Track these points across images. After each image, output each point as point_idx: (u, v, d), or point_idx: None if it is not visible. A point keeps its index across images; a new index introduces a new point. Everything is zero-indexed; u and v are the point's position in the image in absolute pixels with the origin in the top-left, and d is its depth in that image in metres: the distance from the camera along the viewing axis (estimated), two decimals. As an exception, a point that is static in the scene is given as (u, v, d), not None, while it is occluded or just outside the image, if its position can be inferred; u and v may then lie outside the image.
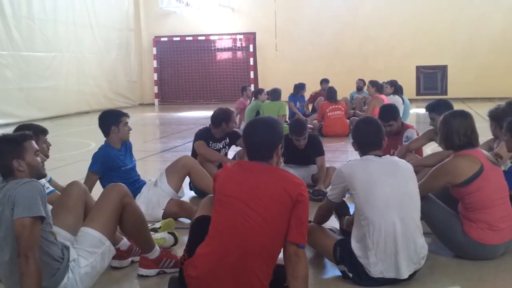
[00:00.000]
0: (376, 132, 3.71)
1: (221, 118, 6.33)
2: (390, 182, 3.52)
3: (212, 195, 3.29)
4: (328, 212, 3.97)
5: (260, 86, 17.33)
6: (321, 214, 3.96)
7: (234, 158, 6.69)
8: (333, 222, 4.35)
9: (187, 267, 3.10)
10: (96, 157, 5.14)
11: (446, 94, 19.94)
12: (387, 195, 3.49)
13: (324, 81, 14.13)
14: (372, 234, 3.47)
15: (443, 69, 20.80)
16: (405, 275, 3.50)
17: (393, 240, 3.46)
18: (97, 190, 4.64)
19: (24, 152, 3.20)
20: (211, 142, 6.33)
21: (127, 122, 5.22)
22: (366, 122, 3.84)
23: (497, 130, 4.93)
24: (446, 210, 4.09)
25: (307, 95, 13.91)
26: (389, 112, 6.24)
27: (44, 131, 4.55)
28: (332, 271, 3.83)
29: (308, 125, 6.60)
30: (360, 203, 3.53)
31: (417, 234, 3.56)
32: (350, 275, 3.60)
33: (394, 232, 3.46)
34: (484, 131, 5.61)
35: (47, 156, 4.52)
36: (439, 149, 6.01)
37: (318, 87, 14.15)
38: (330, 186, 3.88)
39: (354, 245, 3.57)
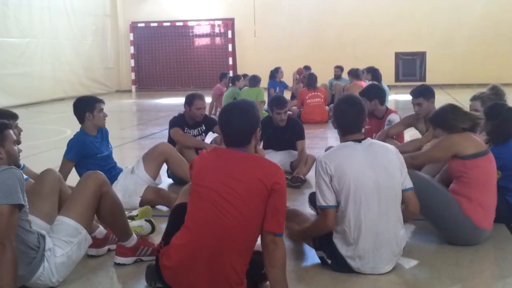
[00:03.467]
0: (358, 114, 3.57)
1: (184, 101, 6.26)
2: (370, 176, 3.41)
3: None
4: (333, 220, 3.50)
5: (238, 73, 17.25)
6: (320, 230, 3.63)
7: (211, 143, 6.61)
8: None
9: (162, 255, 3.05)
10: (71, 144, 5.05)
11: (424, 80, 20.05)
12: (369, 191, 3.40)
13: (305, 68, 14.11)
14: (353, 231, 3.41)
15: (422, 55, 20.92)
16: (386, 270, 3.48)
17: (375, 238, 3.41)
18: (74, 178, 4.57)
19: (4, 140, 3.20)
20: (186, 129, 6.25)
21: (102, 109, 5.12)
22: (349, 102, 3.64)
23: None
24: (444, 191, 4.04)
25: (286, 79, 13.82)
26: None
27: (14, 116, 4.47)
28: (311, 258, 3.80)
29: (288, 112, 6.59)
30: (341, 199, 3.42)
31: (398, 227, 3.52)
32: (329, 261, 3.57)
33: (376, 229, 3.41)
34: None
35: (19, 142, 4.42)
36: (418, 135, 6.04)
37: (296, 75, 14.12)
38: (317, 191, 3.50)
39: (335, 235, 3.51)
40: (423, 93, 5.65)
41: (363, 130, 3.61)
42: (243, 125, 3.05)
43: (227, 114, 3.13)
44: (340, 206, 3.44)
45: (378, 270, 3.48)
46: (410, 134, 7.11)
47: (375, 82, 8.64)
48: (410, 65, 21.07)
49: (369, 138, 3.62)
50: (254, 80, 11.26)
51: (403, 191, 3.55)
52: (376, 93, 6.33)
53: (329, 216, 3.47)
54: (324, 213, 3.49)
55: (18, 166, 3.48)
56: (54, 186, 3.74)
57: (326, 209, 3.46)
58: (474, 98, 5.18)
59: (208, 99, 8.07)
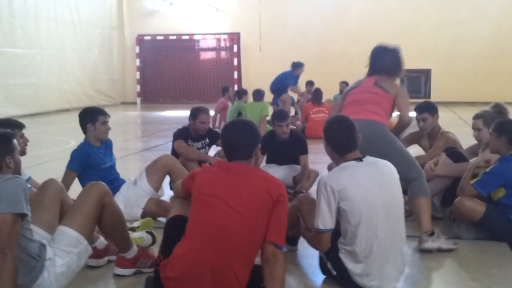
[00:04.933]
0: (349, 130, 3.53)
1: (190, 114, 6.29)
2: (378, 195, 3.38)
3: None
4: (327, 245, 3.51)
5: (243, 87, 17.27)
6: (314, 247, 3.71)
7: (214, 156, 6.62)
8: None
9: (164, 268, 3.05)
10: (75, 154, 5.06)
11: (429, 97, 20.03)
12: (377, 209, 3.36)
13: (309, 83, 14.13)
14: (363, 250, 3.36)
15: (427, 72, 20.92)
16: (393, 286, 3.45)
17: (383, 255, 3.38)
18: (76, 188, 4.56)
19: (14, 149, 3.23)
20: (190, 141, 6.26)
21: (107, 122, 5.12)
22: (338, 121, 3.62)
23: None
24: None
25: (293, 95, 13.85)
26: None
27: (19, 126, 4.47)
28: (314, 273, 3.78)
29: (292, 127, 6.60)
30: (351, 221, 3.37)
31: (403, 243, 3.50)
32: (334, 272, 3.52)
33: (384, 247, 3.38)
34: (467, 136, 5.63)
35: (24, 153, 4.44)
36: (422, 152, 6.03)
37: (302, 89, 14.14)
38: (316, 213, 3.44)
39: (341, 251, 3.45)
40: (428, 108, 5.67)
41: (357, 146, 3.55)
42: (247, 140, 3.16)
43: (231, 129, 3.26)
44: (350, 227, 3.38)
45: (384, 287, 3.43)
46: (414, 151, 7.10)
47: None
48: (415, 82, 21.04)
49: (368, 156, 3.58)
50: (258, 94, 11.22)
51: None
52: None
53: (324, 239, 3.47)
54: (320, 236, 3.48)
55: (20, 175, 3.51)
56: (56, 196, 3.73)
57: (322, 233, 3.44)
58: (476, 117, 5.15)
59: (212, 113, 8.08)
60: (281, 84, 13.08)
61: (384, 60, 4.78)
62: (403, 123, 4.68)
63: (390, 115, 4.69)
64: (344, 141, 3.54)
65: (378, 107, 4.49)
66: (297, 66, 13.23)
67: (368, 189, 3.39)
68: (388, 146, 4.29)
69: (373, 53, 4.87)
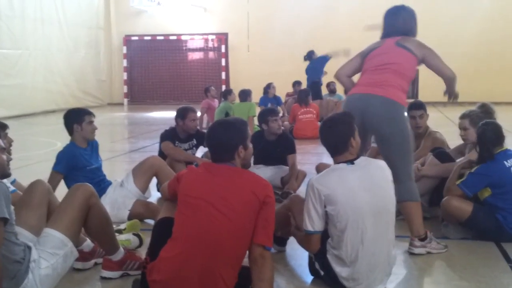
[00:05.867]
0: (340, 133, 3.47)
1: (176, 115, 6.29)
2: (367, 200, 3.34)
3: None
4: (316, 246, 3.50)
5: (232, 87, 17.24)
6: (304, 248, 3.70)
7: (202, 157, 6.60)
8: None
9: (150, 271, 3.02)
10: (61, 156, 5.02)
11: (417, 97, 20.11)
12: (365, 214, 3.33)
13: (296, 83, 14.12)
14: (349, 255, 3.35)
15: (414, 72, 21.02)
16: None
17: (370, 259, 3.36)
18: (62, 190, 4.52)
19: None
20: (177, 143, 6.24)
21: (92, 121, 5.09)
22: (330, 123, 3.58)
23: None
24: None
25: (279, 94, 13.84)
26: None
27: (3, 126, 4.43)
28: (303, 275, 3.77)
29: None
30: (337, 225, 3.35)
31: (391, 248, 3.48)
32: (322, 272, 3.51)
33: (372, 251, 3.36)
34: (455, 136, 5.65)
35: (9, 153, 4.39)
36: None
37: (290, 89, 14.12)
38: (305, 215, 3.42)
39: (329, 253, 3.44)
40: (424, 106, 5.71)
41: (349, 149, 3.47)
42: (224, 141, 3.11)
43: (211, 129, 3.22)
44: (336, 231, 3.37)
45: None
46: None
47: None
48: (403, 82, 21.16)
49: (362, 157, 3.56)
50: (244, 94, 11.20)
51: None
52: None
53: (313, 241, 3.46)
54: (309, 238, 3.47)
55: (8, 175, 3.48)
56: (42, 197, 3.68)
57: (311, 234, 3.43)
58: (463, 116, 5.16)
59: (199, 113, 8.06)
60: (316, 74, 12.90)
61: (400, 20, 4.57)
62: (451, 79, 4.55)
63: (411, 80, 4.52)
64: (333, 143, 3.50)
65: (398, 76, 4.29)
66: (267, 88, 13.00)
67: (357, 194, 3.35)
68: (396, 134, 4.10)
69: (388, 14, 4.67)
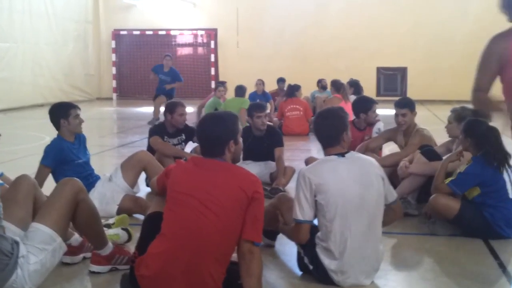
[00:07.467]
0: (332, 126, 3.53)
1: (165, 109, 6.29)
2: (356, 191, 3.38)
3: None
4: (306, 236, 3.50)
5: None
6: (294, 240, 3.68)
7: (191, 152, 6.59)
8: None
9: (138, 266, 3.02)
10: (48, 150, 5.00)
11: (405, 95, 20.18)
12: (354, 205, 3.37)
13: (281, 80, 14.11)
14: (338, 246, 3.38)
15: (403, 71, 21.09)
16: (365, 283, 3.47)
17: (358, 253, 3.39)
18: (50, 184, 4.50)
19: None
20: (166, 138, 6.23)
21: (78, 114, 5.08)
22: (323, 116, 3.64)
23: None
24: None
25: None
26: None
27: None
28: (291, 270, 3.78)
29: (268, 123, 6.63)
30: (326, 215, 3.38)
31: (378, 242, 3.51)
32: (311, 266, 3.52)
33: (360, 245, 3.39)
34: (443, 133, 5.68)
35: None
36: (398, 149, 6.07)
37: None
38: (295, 204, 3.44)
39: (318, 247, 3.47)
40: (409, 105, 5.73)
41: (341, 143, 3.53)
42: (215, 135, 3.08)
43: (203, 122, 3.20)
44: (325, 222, 3.40)
45: (358, 283, 3.45)
46: (390, 148, 7.15)
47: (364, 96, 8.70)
48: (392, 80, 21.22)
49: (352, 152, 3.61)
50: (241, 90, 11.27)
51: (390, 204, 3.56)
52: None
53: (303, 230, 3.47)
54: (299, 227, 3.47)
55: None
56: (28, 192, 3.66)
57: (301, 223, 3.44)
58: (452, 110, 5.37)
59: (189, 109, 8.05)
60: None
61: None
62: None
63: None
64: (325, 135, 3.56)
65: None
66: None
67: (347, 184, 3.39)
68: None
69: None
